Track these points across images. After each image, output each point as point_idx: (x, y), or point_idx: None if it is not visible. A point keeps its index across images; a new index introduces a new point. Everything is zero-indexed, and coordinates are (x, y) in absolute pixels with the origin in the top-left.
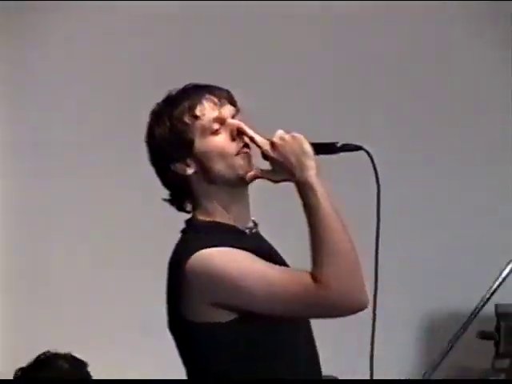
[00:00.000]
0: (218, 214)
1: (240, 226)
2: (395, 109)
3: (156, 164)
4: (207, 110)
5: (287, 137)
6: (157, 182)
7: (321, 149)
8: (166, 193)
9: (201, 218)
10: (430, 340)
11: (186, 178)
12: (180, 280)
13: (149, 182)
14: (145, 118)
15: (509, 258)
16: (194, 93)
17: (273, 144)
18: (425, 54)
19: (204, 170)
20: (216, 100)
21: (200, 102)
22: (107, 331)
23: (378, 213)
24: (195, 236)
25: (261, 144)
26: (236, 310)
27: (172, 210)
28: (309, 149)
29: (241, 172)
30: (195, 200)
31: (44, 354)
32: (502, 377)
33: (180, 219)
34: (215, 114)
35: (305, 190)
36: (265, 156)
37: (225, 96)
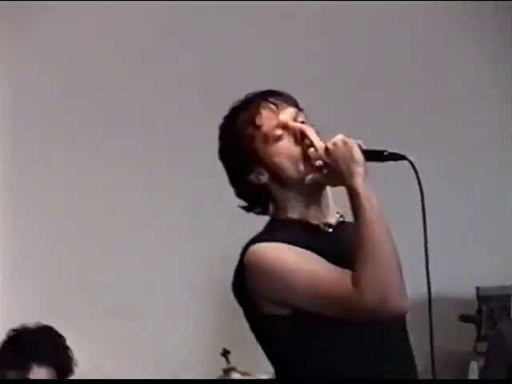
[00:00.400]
0: (294, 212)
1: (316, 222)
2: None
3: (233, 179)
4: (266, 117)
5: (340, 142)
6: None
7: (370, 155)
8: None
9: (278, 217)
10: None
11: (263, 186)
12: (239, 271)
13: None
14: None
15: None
16: (251, 102)
17: (327, 149)
18: (424, 54)
19: (275, 176)
20: (274, 106)
21: (258, 112)
22: None
23: (424, 221)
24: (263, 231)
25: (318, 149)
26: (287, 306)
27: None
28: (358, 155)
29: (307, 176)
30: (275, 203)
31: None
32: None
33: None
34: (275, 120)
35: (352, 195)
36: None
37: (282, 99)
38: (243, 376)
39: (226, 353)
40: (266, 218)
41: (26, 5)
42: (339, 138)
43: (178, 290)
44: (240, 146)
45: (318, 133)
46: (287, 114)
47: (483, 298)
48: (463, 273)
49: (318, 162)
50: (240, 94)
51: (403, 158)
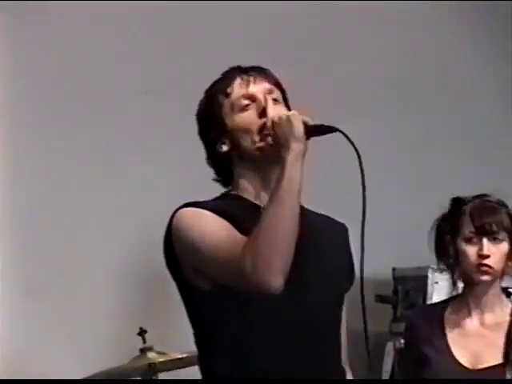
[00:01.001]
0: (243, 189)
1: (259, 202)
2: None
3: (204, 145)
4: (237, 87)
5: (284, 117)
6: None
7: (312, 130)
8: None
9: (231, 192)
10: None
11: (226, 155)
12: (167, 236)
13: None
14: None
15: None
16: (230, 73)
17: (272, 122)
18: (425, 53)
19: (235, 146)
20: (250, 78)
21: (232, 81)
22: None
23: (363, 197)
24: (207, 200)
25: (267, 120)
26: (202, 275)
27: None
28: (298, 132)
29: (256, 147)
30: (233, 177)
31: None
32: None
33: None
34: (244, 90)
35: (281, 169)
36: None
37: (261, 74)
38: (159, 355)
39: (142, 332)
40: None
41: (25, 4)
42: (286, 112)
43: (93, 266)
44: (209, 112)
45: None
46: (258, 88)
47: (399, 278)
48: (379, 253)
49: (265, 132)
50: None
51: (336, 130)
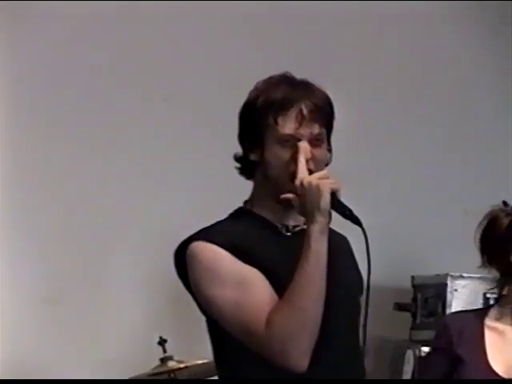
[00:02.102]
0: (261, 207)
1: (277, 223)
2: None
3: (239, 136)
4: (290, 122)
5: (314, 184)
6: None
7: (337, 206)
8: None
9: (247, 206)
10: None
11: (252, 162)
12: (181, 258)
13: None
14: None
15: None
16: (287, 94)
17: (302, 185)
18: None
19: (263, 165)
20: (304, 117)
21: (287, 110)
22: None
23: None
24: (219, 222)
25: (296, 181)
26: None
27: None
28: (325, 205)
29: (283, 193)
30: (253, 187)
31: None
32: (419, 348)
33: None
34: (293, 129)
35: (306, 239)
36: None
37: (316, 111)
38: (180, 364)
39: (162, 341)
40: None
41: (25, 4)
42: (315, 177)
43: (116, 275)
44: (252, 123)
45: (330, 151)
46: (307, 132)
47: (418, 286)
48: (398, 261)
49: (291, 195)
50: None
51: (360, 225)
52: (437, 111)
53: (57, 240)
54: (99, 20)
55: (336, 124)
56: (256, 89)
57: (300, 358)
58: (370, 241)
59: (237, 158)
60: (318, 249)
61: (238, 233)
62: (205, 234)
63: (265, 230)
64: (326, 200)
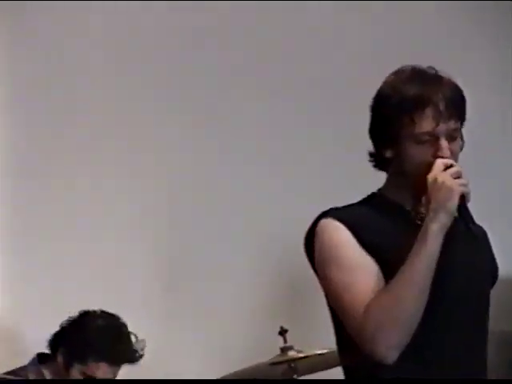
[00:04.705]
0: (393, 192)
1: (407, 206)
2: None
3: (370, 131)
4: (426, 121)
5: (448, 183)
6: None
7: (462, 211)
8: None
9: (381, 191)
10: None
11: (386, 158)
12: (311, 235)
13: None
14: None
15: None
16: (422, 91)
17: (435, 180)
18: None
19: (398, 162)
20: (440, 113)
21: (423, 108)
22: None
23: None
24: (350, 205)
25: (430, 175)
26: None
27: None
28: (452, 206)
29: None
30: (388, 177)
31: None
32: None
33: None
34: (431, 127)
35: (421, 234)
36: None
37: (453, 106)
38: (299, 354)
39: (283, 331)
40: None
41: (24, 4)
42: (450, 178)
43: (235, 265)
44: (387, 121)
45: (463, 142)
46: (445, 129)
47: None
48: None
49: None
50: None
51: (472, 233)
52: None
53: (169, 229)
54: (99, 20)
55: None
56: (387, 84)
57: (387, 350)
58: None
59: (370, 154)
60: (431, 248)
61: (367, 214)
62: (335, 212)
63: (395, 215)
64: (454, 202)
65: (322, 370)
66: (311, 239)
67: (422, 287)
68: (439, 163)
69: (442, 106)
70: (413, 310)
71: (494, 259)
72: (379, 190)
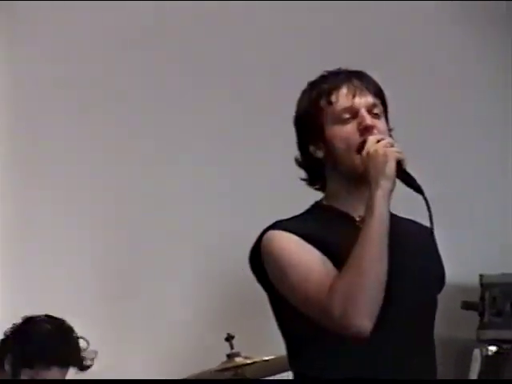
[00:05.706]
0: (336, 199)
1: (353, 213)
2: None
3: (298, 144)
4: (342, 97)
5: (381, 151)
6: None
7: (403, 176)
8: None
9: (323, 201)
10: None
11: (319, 161)
12: (256, 251)
13: None
14: None
15: None
16: (335, 77)
17: (368, 153)
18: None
19: (330, 155)
20: (355, 89)
21: (337, 88)
22: None
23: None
24: (290, 218)
25: (364, 149)
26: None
27: None
28: (390, 171)
29: (356, 169)
30: (324, 183)
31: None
32: (486, 347)
33: None
34: (348, 103)
35: (368, 204)
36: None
37: (366, 84)
38: (246, 360)
39: (229, 338)
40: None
41: (24, 4)
42: (383, 145)
43: (179, 274)
44: (309, 115)
45: (390, 130)
46: (362, 102)
47: (486, 285)
48: (466, 260)
49: (363, 154)
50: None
51: (422, 194)
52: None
53: (118, 240)
54: (99, 22)
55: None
56: (306, 90)
57: (361, 319)
58: (438, 240)
59: (300, 164)
60: (380, 212)
61: (312, 223)
62: (280, 224)
63: (339, 221)
64: (391, 166)
65: (269, 375)
66: (257, 252)
67: (378, 250)
68: (371, 139)
69: (356, 83)
70: (376, 274)
71: (440, 263)
72: (321, 199)
